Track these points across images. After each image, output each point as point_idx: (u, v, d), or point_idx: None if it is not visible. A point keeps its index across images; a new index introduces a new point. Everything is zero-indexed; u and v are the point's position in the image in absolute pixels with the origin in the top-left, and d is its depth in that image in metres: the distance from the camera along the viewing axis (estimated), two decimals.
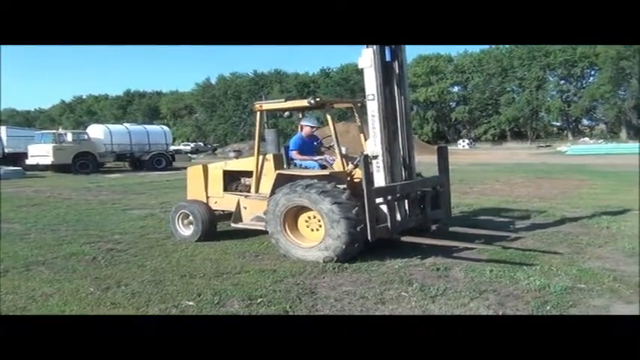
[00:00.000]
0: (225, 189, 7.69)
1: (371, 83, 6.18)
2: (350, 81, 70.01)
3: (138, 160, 29.24)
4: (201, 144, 68.37)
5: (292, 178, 6.53)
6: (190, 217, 7.64)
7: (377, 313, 4.50)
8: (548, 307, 4.45)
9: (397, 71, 6.42)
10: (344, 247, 5.93)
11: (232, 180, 7.76)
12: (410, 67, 70.03)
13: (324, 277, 5.61)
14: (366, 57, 6.14)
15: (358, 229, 5.89)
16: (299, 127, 7.55)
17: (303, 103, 6.78)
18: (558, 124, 69.28)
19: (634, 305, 4.49)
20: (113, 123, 43.38)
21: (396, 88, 6.43)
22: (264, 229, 6.77)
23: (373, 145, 6.29)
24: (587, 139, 56.08)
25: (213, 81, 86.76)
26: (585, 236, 7.23)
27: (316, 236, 6.30)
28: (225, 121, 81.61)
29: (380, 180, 6.27)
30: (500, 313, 4.39)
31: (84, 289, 5.30)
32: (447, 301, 4.73)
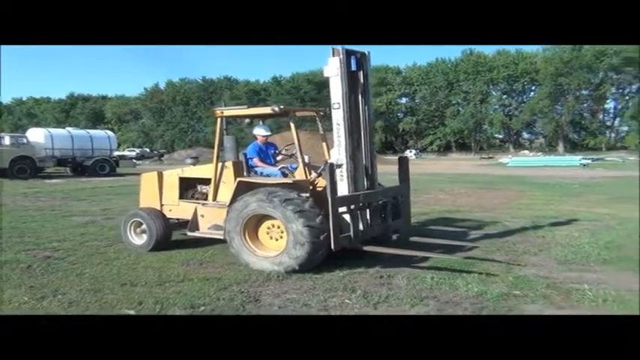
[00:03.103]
0: (181, 196, 7.51)
1: (337, 92, 6.16)
2: (301, 90, 70.26)
3: (80, 166, 28.24)
4: (147, 150, 66.80)
5: (254, 186, 6.41)
6: (143, 226, 7.36)
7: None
8: (484, 313, 4.60)
9: (362, 81, 6.43)
10: (307, 256, 5.86)
11: (188, 187, 7.57)
12: None
13: (268, 285, 5.60)
14: (332, 66, 6.12)
15: (321, 238, 5.84)
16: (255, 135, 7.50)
17: (267, 110, 6.71)
18: (500, 136, 71.74)
19: (566, 310, 4.72)
20: (55, 127, 41.81)
21: (360, 97, 6.44)
22: (221, 237, 6.67)
23: (337, 153, 6.26)
24: (527, 151, 58.25)
25: (161, 86, 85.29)
26: (522, 245, 7.53)
27: (276, 245, 6.23)
28: (172, 127, 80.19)
29: (343, 189, 6.22)
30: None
31: (17, 299, 5.08)
32: (388, 307, 4.82)
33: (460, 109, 70.08)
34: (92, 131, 33.09)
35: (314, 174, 6.67)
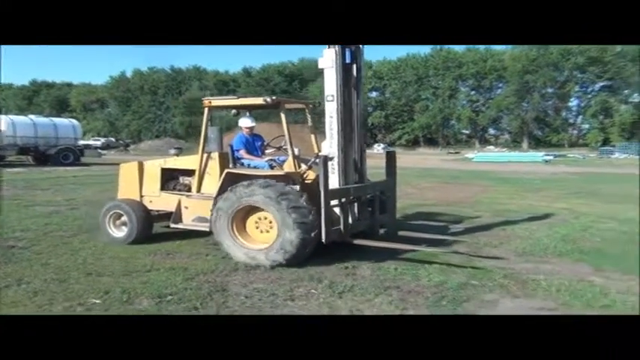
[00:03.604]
0: (163, 188, 7.33)
1: (331, 84, 6.14)
2: (271, 82, 69.92)
3: (43, 155, 27.59)
4: (113, 140, 65.49)
5: (242, 178, 6.31)
6: (124, 218, 7.17)
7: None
8: (444, 302, 4.79)
9: (355, 74, 6.42)
10: (295, 251, 5.84)
11: (170, 178, 7.40)
12: None
13: (235, 275, 5.68)
14: (327, 57, 6.09)
15: (313, 234, 5.84)
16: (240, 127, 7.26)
17: (259, 101, 6.61)
18: (467, 132, 72.81)
19: (520, 300, 4.94)
20: (17, 114, 40.68)
21: (353, 90, 6.43)
22: (206, 230, 6.59)
23: (329, 146, 6.24)
24: (492, 147, 59.39)
25: (128, 75, 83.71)
26: (484, 237, 7.77)
27: (264, 238, 6.17)
28: (139, 117, 78.81)
29: (334, 182, 6.21)
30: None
31: None
32: (353, 297, 4.96)
33: (429, 104, 70.82)
34: (56, 119, 32.27)
35: (304, 166, 6.61)
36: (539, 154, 41.43)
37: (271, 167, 6.81)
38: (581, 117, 63.39)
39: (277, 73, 71.61)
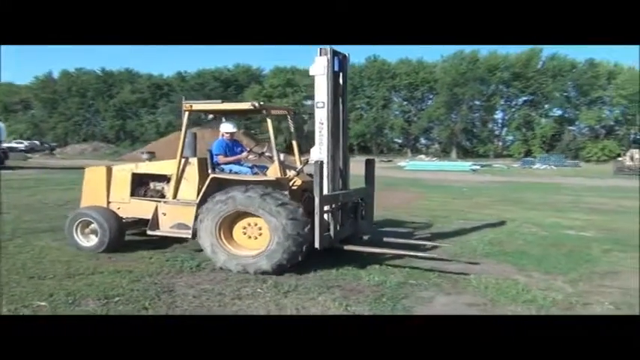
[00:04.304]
0: (133, 194, 7.04)
1: (322, 91, 6.17)
2: (207, 86, 68.98)
3: None
4: (37, 142, 62.43)
5: (228, 183, 6.20)
6: (93, 226, 6.79)
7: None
8: (384, 299, 5.10)
9: (341, 82, 6.52)
10: (286, 262, 5.82)
11: (141, 184, 7.12)
12: (266, 78, 71.06)
13: (181, 277, 5.78)
14: (319, 64, 6.13)
15: (305, 246, 5.86)
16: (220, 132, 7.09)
17: (245, 106, 6.52)
18: (400, 141, 74.71)
19: (453, 296, 5.33)
20: None
21: (339, 98, 6.50)
22: (187, 236, 6.49)
23: (319, 152, 6.23)
24: (423, 156, 61.21)
25: (55, 75, 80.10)
26: (418, 240, 8.18)
27: (253, 244, 6.08)
28: (66, 120, 75.50)
29: (324, 188, 6.12)
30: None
31: None
32: (298, 295, 5.18)
33: (363, 113, 72.23)
34: None
35: (292, 172, 6.60)
36: (467, 164, 43.23)
37: (253, 174, 6.70)
38: (505, 129, 66.65)
39: (213, 78, 70.72)
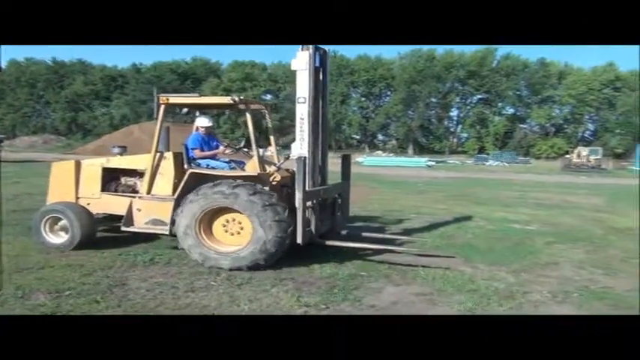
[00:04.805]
0: (104, 189, 6.87)
1: (303, 86, 6.15)
2: (163, 79, 67.72)
3: None
4: None
5: (207, 179, 6.14)
6: (63, 222, 6.56)
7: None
8: (336, 290, 5.25)
9: (321, 78, 6.51)
10: (273, 250, 5.80)
11: (112, 179, 6.96)
12: (225, 72, 70.31)
13: (134, 271, 5.77)
14: (301, 59, 6.11)
15: (288, 231, 5.84)
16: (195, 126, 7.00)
17: (225, 100, 6.39)
18: (358, 137, 75.37)
19: (402, 286, 5.53)
20: None
21: (320, 94, 6.50)
22: (163, 233, 6.39)
23: (299, 147, 6.21)
24: (380, 152, 62.00)
25: (3, 65, 77.13)
26: (372, 233, 8.38)
27: (232, 240, 6.05)
28: (15, 111, 72.88)
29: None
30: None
31: None
32: (251, 287, 5.28)
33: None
34: None
35: (273, 167, 6.59)
36: (423, 160, 44.15)
37: (231, 169, 6.63)
38: (460, 126, 68.17)
39: (170, 71, 69.48)
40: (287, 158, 6.72)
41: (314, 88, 6.22)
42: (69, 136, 67.65)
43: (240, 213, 5.90)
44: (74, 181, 6.96)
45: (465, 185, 20.90)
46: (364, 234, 7.48)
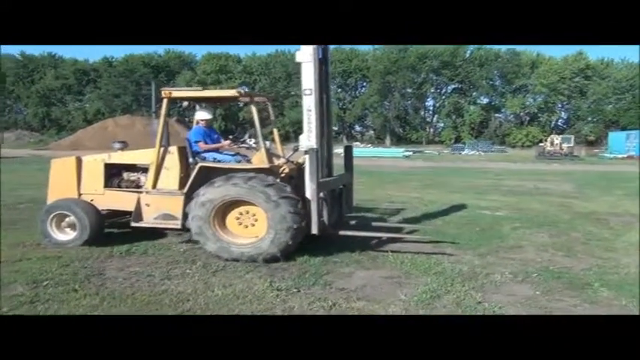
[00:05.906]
0: (107, 185, 6.86)
1: (309, 78, 6.14)
2: (136, 72, 66.90)
3: None
4: None
5: (217, 172, 6.13)
6: (70, 219, 6.53)
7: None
8: (307, 275, 5.46)
9: (324, 70, 6.53)
10: (291, 241, 5.84)
11: (114, 175, 6.94)
12: (199, 64, 69.70)
13: (111, 261, 5.91)
14: (305, 52, 6.09)
15: (303, 223, 5.87)
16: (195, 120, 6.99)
17: (230, 93, 6.40)
18: (335, 128, 75.60)
19: (372, 271, 5.76)
20: None
21: (324, 86, 6.53)
22: (175, 227, 6.37)
23: (307, 139, 6.22)
24: (358, 143, 62.29)
25: None
26: (349, 221, 8.60)
27: (247, 233, 6.07)
28: None
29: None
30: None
31: None
32: (226, 274, 5.46)
33: (298, 100, 72.50)
34: None
35: (282, 159, 6.68)
36: (400, 150, 44.60)
37: (237, 162, 6.64)
38: (436, 116, 68.87)
39: (143, 64, 68.58)
40: (296, 150, 6.79)
41: (319, 80, 6.25)
42: (42, 132, 66.57)
43: (255, 205, 5.95)
44: (76, 177, 6.91)
45: (441, 174, 21.28)
46: (374, 224, 7.72)
